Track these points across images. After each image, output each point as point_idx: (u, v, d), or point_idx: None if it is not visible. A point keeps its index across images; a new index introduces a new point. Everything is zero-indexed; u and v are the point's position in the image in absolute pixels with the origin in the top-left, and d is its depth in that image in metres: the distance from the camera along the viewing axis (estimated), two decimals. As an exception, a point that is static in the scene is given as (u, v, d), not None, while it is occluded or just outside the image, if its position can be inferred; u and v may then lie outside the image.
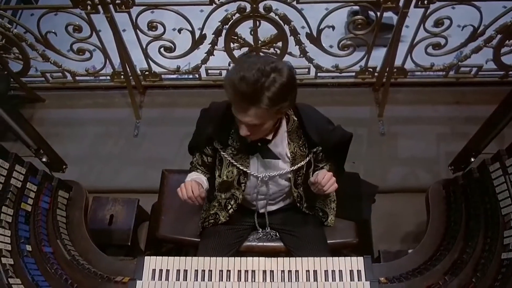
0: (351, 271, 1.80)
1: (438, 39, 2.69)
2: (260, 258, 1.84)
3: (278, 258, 1.85)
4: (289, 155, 1.77)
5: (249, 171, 1.80)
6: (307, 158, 1.80)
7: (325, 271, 1.81)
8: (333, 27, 2.64)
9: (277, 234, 2.10)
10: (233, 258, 1.85)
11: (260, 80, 1.42)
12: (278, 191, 1.91)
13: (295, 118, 1.74)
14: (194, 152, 1.95)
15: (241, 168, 1.79)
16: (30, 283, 1.67)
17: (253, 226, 2.09)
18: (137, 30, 2.70)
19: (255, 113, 1.49)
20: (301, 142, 1.77)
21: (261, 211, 2.01)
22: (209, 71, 3.08)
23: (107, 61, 2.96)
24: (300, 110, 1.73)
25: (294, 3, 2.52)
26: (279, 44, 2.78)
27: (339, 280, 1.79)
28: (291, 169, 1.79)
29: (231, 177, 1.84)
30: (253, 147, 1.73)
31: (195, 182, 1.73)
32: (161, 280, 1.79)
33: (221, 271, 1.82)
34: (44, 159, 2.09)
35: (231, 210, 1.98)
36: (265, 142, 1.71)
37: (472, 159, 2.05)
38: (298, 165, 1.79)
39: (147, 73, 3.11)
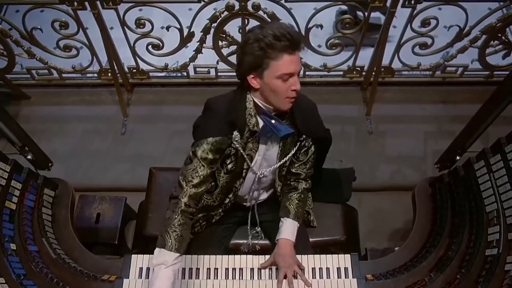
0: (338, 269, 1.82)
1: (425, 39, 2.72)
2: (247, 256, 1.85)
3: (266, 256, 1.85)
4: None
5: (251, 165, 1.75)
6: (295, 147, 1.78)
7: (312, 268, 1.82)
8: (321, 26, 2.66)
9: (264, 233, 2.06)
10: (221, 256, 1.85)
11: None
12: (267, 183, 1.91)
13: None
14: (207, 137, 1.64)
15: (247, 159, 1.73)
16: (14, 282, 1.65)
17: (241, 220, 2.05)
18: (125, 27, 2.68)
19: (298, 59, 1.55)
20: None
21: (252, 203, 1.97)
22: (197, 69, 3.08)
23: (94, 58, 2.93)
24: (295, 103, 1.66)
25: (283, 1, 2.53)
26: (268, 42, 2.77)
27: (327, 278, 1.81)
28: (282, 161, 1.78)
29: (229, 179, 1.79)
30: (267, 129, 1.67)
31: None
32: (148, 278, 1.78)
33: (209, 269, 1.82)
34: (29, 157, 2.06)
35: (229, 204, 1.93)
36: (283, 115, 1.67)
37: (458, 157, 2.07)
38: (289, 155, 1.78)
39: (134, 70, 3.09)
